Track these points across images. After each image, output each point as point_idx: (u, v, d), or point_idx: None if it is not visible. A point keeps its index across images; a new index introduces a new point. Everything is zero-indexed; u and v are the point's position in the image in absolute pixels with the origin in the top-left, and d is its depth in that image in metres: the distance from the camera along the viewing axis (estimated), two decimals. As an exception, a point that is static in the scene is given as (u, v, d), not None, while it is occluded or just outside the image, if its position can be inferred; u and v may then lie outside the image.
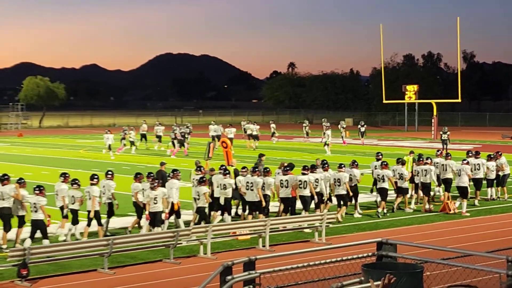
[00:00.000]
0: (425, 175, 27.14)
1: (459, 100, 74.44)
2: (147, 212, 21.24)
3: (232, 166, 26.48)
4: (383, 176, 26.26)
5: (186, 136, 53.57)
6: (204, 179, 22.77)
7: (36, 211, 19.92)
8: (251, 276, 8.94)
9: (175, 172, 23.27)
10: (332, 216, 22.34)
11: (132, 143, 53.88)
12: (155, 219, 21.24)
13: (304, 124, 68.64)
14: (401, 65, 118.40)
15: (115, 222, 23.35)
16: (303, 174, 24.00)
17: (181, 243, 19.75)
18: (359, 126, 62.58)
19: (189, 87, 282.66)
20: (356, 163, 26.54)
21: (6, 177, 21.38)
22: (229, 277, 8.85)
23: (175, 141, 52.04)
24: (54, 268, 17.80)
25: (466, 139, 67.66)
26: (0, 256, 19.05)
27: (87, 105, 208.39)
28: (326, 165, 25.71)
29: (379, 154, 28.96)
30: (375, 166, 27.64)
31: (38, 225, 19.89)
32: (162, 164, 26.82)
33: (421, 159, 27.76)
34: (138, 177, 22.78)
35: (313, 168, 24.65)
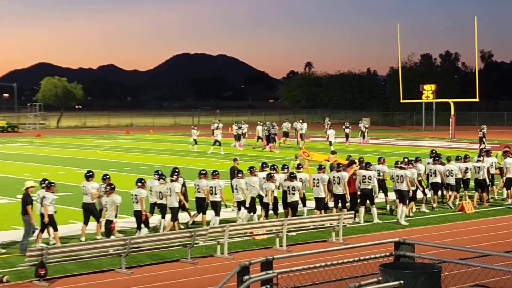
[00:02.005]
0: (478, 172, 27.95)
1: (477, 100, 74.19)
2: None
3: (328, 161, 27.62)
4: (435, 171, 27.10)
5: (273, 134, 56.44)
6: (271, 175, 23.33)
7: (137, 203, 21.02)
8: (268, 276, 8.92)
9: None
10: (349, 216, 22.29)
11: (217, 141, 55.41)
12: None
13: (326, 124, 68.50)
14: (418, 65, 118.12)
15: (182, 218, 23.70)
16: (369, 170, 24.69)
17: (198, 243, 19.76)
18: (343, 127, 61.79)
19: (206, 87, 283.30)
20: (383, 159, 27.31)
21: (91, 173, 22.40)
22: (246, 277, 8.83)
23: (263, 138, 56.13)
24: (71, 268, 17.85)
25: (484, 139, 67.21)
26: (20, 255, 19.15)
27: (103, 105, 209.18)
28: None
29: (433, 151, 29.62)
30: (428, 162, 28.42)
31: (136, 215, 21.18)
32: (235, 160, 27.31)
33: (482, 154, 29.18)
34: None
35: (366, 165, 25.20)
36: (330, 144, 53.67)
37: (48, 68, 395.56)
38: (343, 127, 62.07)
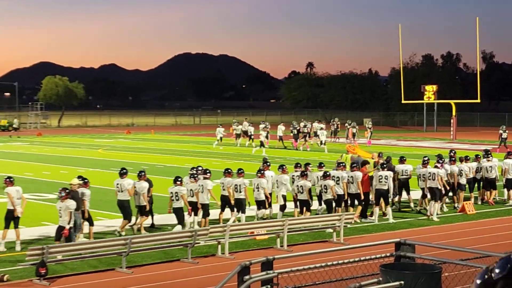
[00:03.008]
0: (490, 171, 28.33)
1: (478, 101, 74.13)
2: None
3: (373, 159, 28.00)
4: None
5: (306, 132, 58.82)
6: (305, 173, 23.83)
7: (177, 200, 21.66)
8: (269, 276, 8.93)
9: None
10: (350, 216, 22.32)
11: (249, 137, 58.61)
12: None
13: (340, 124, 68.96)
14: (420, 65, 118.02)
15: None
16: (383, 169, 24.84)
17: (199, 243, 19.76)
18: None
19: (207, 87, 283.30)
20: (404, 159, 27.71)
21: (125, 171, 22.74)
22: (246, 277, 8.85)
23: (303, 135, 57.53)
24: (72, 267, 17.86)
25: (485, 140, 67.30)
26: (19, 254, 19.15)
27: (105, 104, 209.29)
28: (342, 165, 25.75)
29: (452, 151, 29.83)
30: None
31: (177, 213, 21.83)
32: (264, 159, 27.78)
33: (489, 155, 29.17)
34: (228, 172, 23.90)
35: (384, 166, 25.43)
36: (322, 143, 54.85)
37: (49, 67, 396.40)
38: (349, 127, 62.97)
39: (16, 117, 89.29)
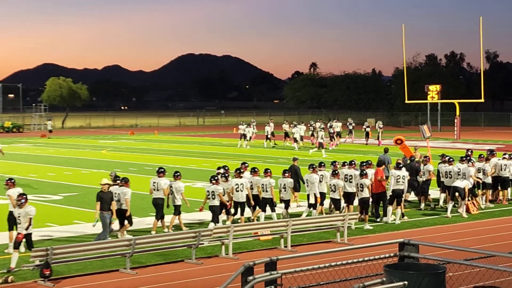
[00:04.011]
0: (504, 170, 28.71)
1: (482, 100, 74.04)
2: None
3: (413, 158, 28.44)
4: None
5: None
6: (336, 172, 24.18)
7: (214, 198, 22.23)
8: (273, 277, 8.93)
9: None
10: (354, 216, 22.31)
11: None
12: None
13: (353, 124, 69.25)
14: (423, 65, 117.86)
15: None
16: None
17: (203, 244, 19.76)
18: (364, 127, 63.45)
19: (211, 88, 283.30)
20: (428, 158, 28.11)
21: (162, 170, 23.21)
22: (250, 278, 8.84)
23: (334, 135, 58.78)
24: (76, 268, 17.87)
25: (489, 139, 67.23)
26: (24, 255, 19.16)
27: (108, 105, 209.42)
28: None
29: (469, 150, 30.23)
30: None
31: (213, 211, 22.40)
32: (294, 159, 28.23)
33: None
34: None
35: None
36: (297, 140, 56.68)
37: (53, 69, 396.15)
38: (364, 126, 64.17)
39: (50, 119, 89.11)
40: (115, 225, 21.76)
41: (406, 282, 8.22)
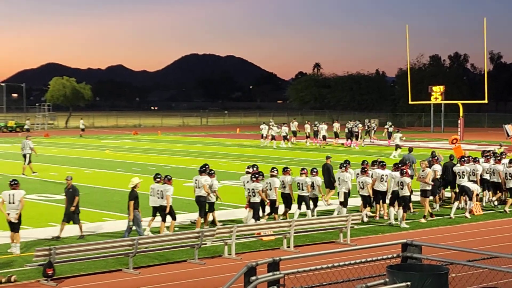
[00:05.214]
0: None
1: (486, 101, 74.02)
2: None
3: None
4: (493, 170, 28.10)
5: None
6: (365, 169, 24.76)
7: (254, 196, 22.65)
8: (276, 277, 8.92)
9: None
10: (357, 217, 22.32)
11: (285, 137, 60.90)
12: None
13: (368, 125, 69.67)
14: (427, 66, 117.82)
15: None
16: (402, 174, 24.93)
17: (205, 244, 19.76)
18: (386, 127, 64.11)
19: (214, 88, 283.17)
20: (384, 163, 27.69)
21: (204, 168, 23.60)
22: (253, 278, 8.83)
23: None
24: (79, 268, 17.88)
25: (493, 140, 67.13)
26: (27, 255, 19.19)
27: (112, 105, 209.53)
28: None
29: (486, 152, 30.28)
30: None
31: (254, 207, 22.74)
32: (327, 158, 28.83)
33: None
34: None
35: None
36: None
37: (56, 69, 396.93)
38: (386, 126, 65.53)
39: (29, 118, 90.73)
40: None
41: (409, 283, 8.21)
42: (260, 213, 23.25)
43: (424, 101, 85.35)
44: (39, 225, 22.18)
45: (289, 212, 24.40)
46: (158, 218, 22.27)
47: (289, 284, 9.26)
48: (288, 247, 20.33)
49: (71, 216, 22.04)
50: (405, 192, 24.13)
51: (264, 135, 61.86)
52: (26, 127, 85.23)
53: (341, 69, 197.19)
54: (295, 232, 20.59)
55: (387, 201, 25.07)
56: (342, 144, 61.30)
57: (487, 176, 27.99)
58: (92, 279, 17.16)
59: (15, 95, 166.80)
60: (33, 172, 38.70)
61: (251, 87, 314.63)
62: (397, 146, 50.83)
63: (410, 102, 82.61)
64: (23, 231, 22.05)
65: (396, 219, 24.35)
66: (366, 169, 24.91)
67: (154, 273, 17.77)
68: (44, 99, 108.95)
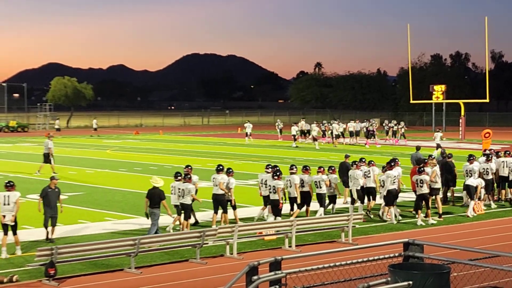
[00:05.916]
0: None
1: (487, 100, 73.99)
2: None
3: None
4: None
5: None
6: (422, 169, 24.74)
7: (274, 193, 22.86)
8: (277, 276, 8.91)
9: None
10: (359, 216, 22.32)
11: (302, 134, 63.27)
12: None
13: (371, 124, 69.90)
14: (428, 65, 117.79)
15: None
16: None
17: (207, 243, 19.76)
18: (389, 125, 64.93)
19: (216, 88, 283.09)
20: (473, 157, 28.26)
21: (221, 167, 23.97)
22: (255, 277, 8.83)
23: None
24: (81, 268, 17.88)
25: (494, 139, 66.99)
26: (28, 255, 19.19)
27: (113, 105, 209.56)
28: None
29: (489, 151, 30.75)
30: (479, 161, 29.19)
31: (274, 204, 23.02)
32: (346, 156, 29.11)
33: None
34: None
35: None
36: (314, 140, 58.91)
37: (58, 68, 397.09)
38: (391, 125, 67.05)
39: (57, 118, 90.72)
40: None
41: (410, 282, 8.21)
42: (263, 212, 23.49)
43: (425, 100, 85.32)
44: (39, 225, 22.13)
45: (310, 210, 24.47)
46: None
47: (290, 284, 9.26)
48: (290, 246, 20.34)
49: (54, 217, 21.51)
50: (424, 189, 24.30)
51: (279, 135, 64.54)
52: (56, 126, 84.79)
53: (342, 68, 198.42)
54: (296, 232, 20.60)
55: (381, 199, 25.18)
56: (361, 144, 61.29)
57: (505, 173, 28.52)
58: (94, 278, 17.16)
59: (16, 95, 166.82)
60: (36, 172, 38.73)
61: (252, 86, 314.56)
62: (438, 146, 50.82)
63: (411, 101, 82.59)
64: (24, 231, 22.09)
65: (396, 219, 24.39)
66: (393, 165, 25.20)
67: (156, 272, 17.77)
68: (45, 99, 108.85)
